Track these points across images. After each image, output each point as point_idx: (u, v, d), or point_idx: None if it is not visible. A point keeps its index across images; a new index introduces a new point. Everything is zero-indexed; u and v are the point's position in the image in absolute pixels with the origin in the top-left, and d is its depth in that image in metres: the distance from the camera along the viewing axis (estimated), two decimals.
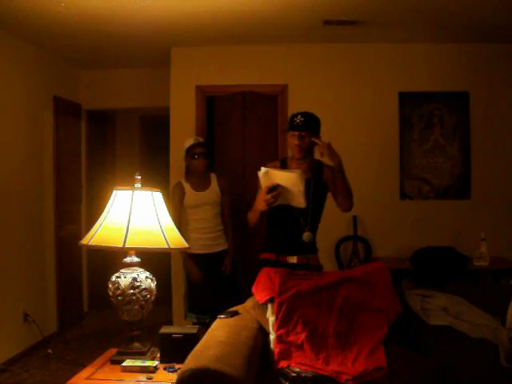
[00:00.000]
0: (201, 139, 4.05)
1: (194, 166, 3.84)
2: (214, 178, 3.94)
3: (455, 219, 4.81)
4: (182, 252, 3.75)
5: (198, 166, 3.84)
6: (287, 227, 2.89)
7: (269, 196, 2.62)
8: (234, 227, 4.05)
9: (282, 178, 2.65)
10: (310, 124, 2.79)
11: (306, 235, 2.86)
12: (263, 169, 2.66)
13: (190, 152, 3.85)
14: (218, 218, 3.90)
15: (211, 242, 3.84)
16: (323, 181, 2.91)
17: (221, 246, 3.89)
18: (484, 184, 4.83)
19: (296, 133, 2.79)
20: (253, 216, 2.84)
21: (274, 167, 2.81)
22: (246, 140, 4.83)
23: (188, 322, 3.78)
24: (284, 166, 2.92)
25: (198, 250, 3.77)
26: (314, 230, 2.92)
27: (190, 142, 3.91)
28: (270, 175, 2.66)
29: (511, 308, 2.53)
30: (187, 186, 3.83)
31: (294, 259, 2.84)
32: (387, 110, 4.89)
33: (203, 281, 3.78)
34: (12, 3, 3.65)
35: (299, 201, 2.67)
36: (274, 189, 2.63)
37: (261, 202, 2.68)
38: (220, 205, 3.91)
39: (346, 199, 2.85)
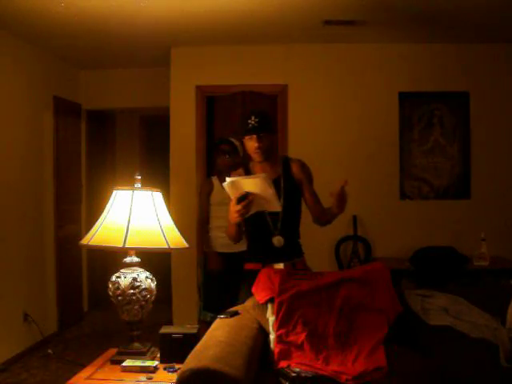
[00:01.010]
0: (231, 139, 3.99)
1: (218, 163, 3.90)
2: None
3: (455, 219, 4.81)
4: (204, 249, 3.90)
5: (221, 164, 3.88)
6: (261, 233, 2.72)
7: (239, 206, 2.42)
8: None
9: (249, 185, 2.43)
10: (265, 124, 2.67)
11: (277, 239, 2.67)
12: (228, 179, 2.44)
13: (215, 148, 3.90)
14: None
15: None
16: (293, 178, 2.75)
17: (241, 246, 3.85)
18: (484, 184, 4.83)
19: (254, 136, 2.65)
20: (230, 231, 2.71)
21: (239, 175, 2.65)
22: None
23: (192, 322, 3.77)
24: (247, 171, 2.77)
25: (219, 248, 3.82)
26: (287, 232, 2.71)
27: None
28: (236, 184, 2.44)
29: (511, 308, 2.53)
30: (217, 182, 3.87)
31: (280, 266, 2.68)
32: (387, 110, 4.89)
33: (221, 278, 3.79)
34: (12, 3, 3.65)
35: (273, 205, 2.49)
36: (245, 197, 2.42)
37: (232, 215, 2.48)
38: None
39: (326, 223, 2.80)
